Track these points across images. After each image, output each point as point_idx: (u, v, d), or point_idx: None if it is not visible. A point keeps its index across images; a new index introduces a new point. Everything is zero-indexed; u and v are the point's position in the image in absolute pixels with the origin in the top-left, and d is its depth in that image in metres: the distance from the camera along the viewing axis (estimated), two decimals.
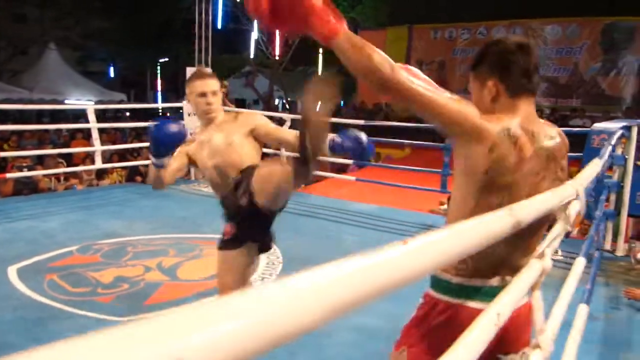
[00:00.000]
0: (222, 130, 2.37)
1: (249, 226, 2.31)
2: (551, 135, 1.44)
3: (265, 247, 2.49)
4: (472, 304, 1.39)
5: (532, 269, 1.26)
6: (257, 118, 2.49)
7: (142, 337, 0.33)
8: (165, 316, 0.36)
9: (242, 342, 0.37)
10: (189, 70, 8.38)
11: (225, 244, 2.36)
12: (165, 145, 2.17)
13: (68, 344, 0.31)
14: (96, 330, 0.32)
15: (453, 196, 1.48)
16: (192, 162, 2.43)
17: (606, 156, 3.36)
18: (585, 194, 3.28)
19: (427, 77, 1.34)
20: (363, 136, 2.22)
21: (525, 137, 1.36)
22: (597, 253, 3.45)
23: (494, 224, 0.88)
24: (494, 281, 1.42)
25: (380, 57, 1.19)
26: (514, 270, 1.31)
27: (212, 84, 2.37)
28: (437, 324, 1.42)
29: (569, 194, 1.40)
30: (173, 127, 2.13)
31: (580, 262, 2.37)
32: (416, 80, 1.23)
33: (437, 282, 1.46)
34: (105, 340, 0.32)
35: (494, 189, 1.36)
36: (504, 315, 0.97)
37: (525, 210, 1.02)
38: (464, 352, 0.82)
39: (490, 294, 1.30)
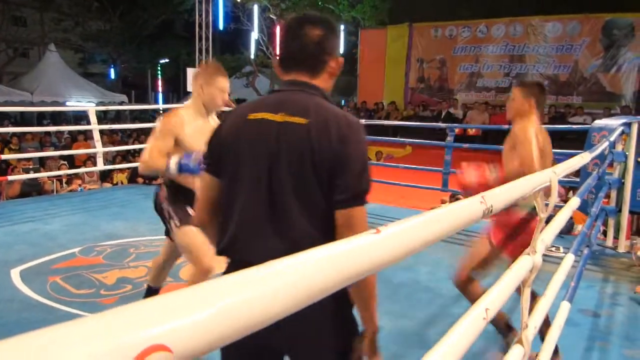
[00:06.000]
0: (214, 121, 2.64)
1: None
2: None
3: None
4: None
5: (523, 265, 1.26)
6: None
7: (123, 323, 0.35)
8: (145, 304, 0.37)
9: (220, 325, 0.39)
10: (190, 71, 8.40)
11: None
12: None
13: (57, 329, 0.32)
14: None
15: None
16: (176, 142, 2.62)
17: (598, 151, 3.35)
18: (586, 189, 3.29)
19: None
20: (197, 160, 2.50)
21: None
22: (587, 250, 3.45)
23: (465, 212, 0.91)
24: None
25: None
26: None
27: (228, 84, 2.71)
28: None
29: (542, 181, 1.44)
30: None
31: (569, 259, 2.40)
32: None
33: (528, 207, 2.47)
34: (91, 325, 0.34)
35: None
36: (492, 310, 0.98)
37: (497, 197, 1.06)
38: (455, 341, 0.84)
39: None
